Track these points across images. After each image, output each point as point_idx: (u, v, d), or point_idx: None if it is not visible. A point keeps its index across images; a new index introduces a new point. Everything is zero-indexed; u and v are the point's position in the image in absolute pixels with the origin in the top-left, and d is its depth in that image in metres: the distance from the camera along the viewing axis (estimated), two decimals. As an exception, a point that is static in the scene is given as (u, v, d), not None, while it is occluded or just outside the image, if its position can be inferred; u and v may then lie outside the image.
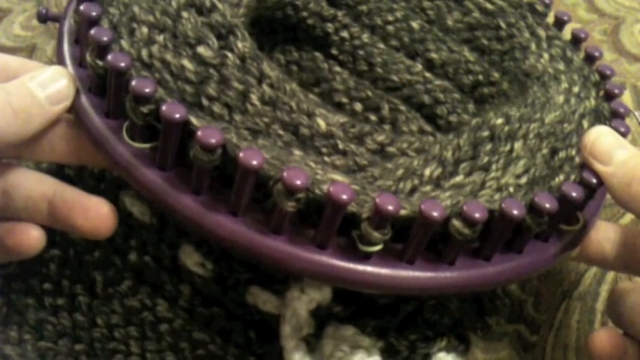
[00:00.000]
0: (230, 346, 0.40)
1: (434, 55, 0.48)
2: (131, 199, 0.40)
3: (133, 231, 0.41)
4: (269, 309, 0.39)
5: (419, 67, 0.48)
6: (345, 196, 0.29)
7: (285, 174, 0.29)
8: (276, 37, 0.50)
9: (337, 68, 0.49)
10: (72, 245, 0.41)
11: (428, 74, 0.48)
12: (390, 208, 0.29)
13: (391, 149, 0.37)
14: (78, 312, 0.40)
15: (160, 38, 0.34)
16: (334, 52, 0.49)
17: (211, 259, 0.40)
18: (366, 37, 0.49)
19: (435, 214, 0.29)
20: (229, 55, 0.34)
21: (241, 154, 0.29)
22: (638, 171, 0.34)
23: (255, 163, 0.29)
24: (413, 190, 0.34)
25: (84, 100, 0.34)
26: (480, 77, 0.46)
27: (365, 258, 0.31)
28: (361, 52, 0.49)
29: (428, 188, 0.34)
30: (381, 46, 0.49)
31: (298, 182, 0.29)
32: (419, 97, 0.48)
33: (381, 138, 0.37)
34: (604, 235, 0.38)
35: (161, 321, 0.40)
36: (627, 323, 0.37)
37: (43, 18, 0.40)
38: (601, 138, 0.36)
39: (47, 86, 0.33)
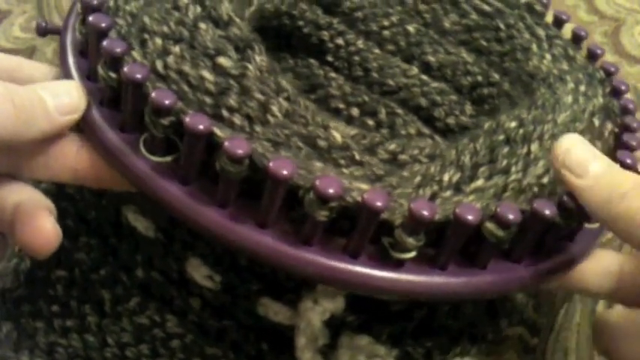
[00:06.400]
0: (243, 359, 0.40)
1: (431, 58, 0.48)
2: (134, 214, 0.39)
3: (138, 246, 0.40)
4: (281, 320, 0.39)
5: (415, 70, 0.48)
6: (379, 203, 0.28)
7: (317, 182, 0.28)
8: (268, 45, 0.50)
9: (333, 74, 0.49)
10: (77, 265, 0.40)
11: (424, 77, 0.48)
12: (425, 213, 0.29)
13: (403, 157, 0.37)
14: (88, 332, 0.39)
15: (176, 49, 0.33)
16: (329, 58, 0.49)
17: (219, 272, 0.39)
18: (361, 43, 0.48)
19: (471, 217, 0.29)
20: (249, 66, 0.34)
21: (271, 164, 0.28)
22: (616, 186, 0.30)
23: (285, 172, 0.28)
24: (433, 196, 0.34)
25: (95, 114, 0.33)
26: (479, 78, 0.47)
27: (398, 265, 0.31)
28: (356, 58, 0.48)
29: (448, 194, 0.34)
30: (377, 51, 0.48)
31: (331, 191, 0.28)
32: (415, 100, 0.48)
33: (392, 147, 0.37)
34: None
35: (172, 337, 0.40)
36: (614, 357, 0.37)
37: (43, 31, 0.38)
38: (575, 148, 0.32)
39: (58, 96, 0.32)
